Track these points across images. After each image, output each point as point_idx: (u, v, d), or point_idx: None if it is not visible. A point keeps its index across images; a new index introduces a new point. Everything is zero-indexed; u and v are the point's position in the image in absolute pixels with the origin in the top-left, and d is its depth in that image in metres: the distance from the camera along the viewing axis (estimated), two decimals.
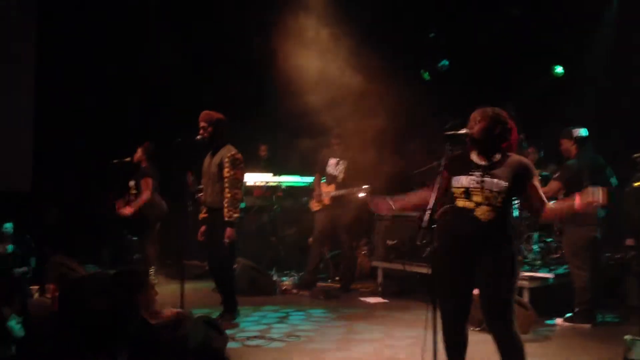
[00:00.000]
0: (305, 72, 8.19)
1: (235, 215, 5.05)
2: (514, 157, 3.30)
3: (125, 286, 3.02)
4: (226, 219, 5.04)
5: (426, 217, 3.02)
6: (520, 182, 3.23)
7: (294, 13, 7.98)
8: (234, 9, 8.50)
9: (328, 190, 6.97)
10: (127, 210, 6.74)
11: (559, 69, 7.77)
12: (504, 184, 3.20)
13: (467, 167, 3.31)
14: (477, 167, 3.29)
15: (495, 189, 3.20)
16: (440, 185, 3.19)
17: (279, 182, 7.83)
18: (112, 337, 2.25)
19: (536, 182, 3.30)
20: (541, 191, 3.30)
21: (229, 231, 5.04)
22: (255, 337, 4.84)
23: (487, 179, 3.23)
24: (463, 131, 3.25)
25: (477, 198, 3.24)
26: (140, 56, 8.17)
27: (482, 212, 3.22)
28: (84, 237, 7.26)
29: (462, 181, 3.28)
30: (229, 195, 5.05)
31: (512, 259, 3.25)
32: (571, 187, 5.47)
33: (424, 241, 3.12)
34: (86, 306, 2.23)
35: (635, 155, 4.74)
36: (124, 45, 8.05)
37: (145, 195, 6.72)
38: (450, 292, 3.34)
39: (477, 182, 3.24)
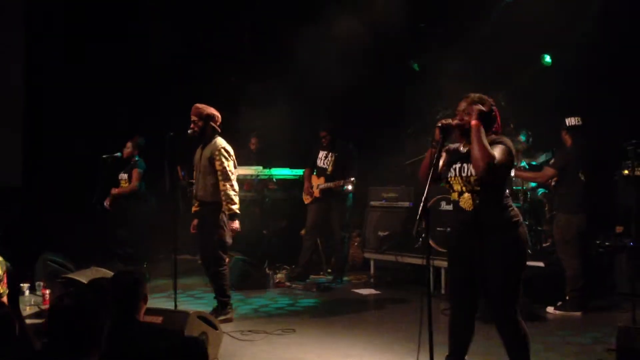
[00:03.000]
0: (296, 63, 8.18)
1: (234, 207, 5.04)
2: (494, 138, 3.27)
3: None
4: (227, 213, 5.04)
5: (420, 207, 3.03)
6: None
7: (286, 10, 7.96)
8: (224, 5, 8.47)
9: (318, 183, 6.98)
10: (115, 190, 6.94)
11: (547, 58, 7.79)
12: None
13: (455, 159, 3.35)
14: (461, 155, 3.32)
15: (465, 174, 3.21)
16: (433, 172, 3.18)
17: (270, 174, 7.81)
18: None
19: (494, 149, 3.14)
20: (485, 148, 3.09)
21: (231, 224, 5.05)
22: (249, 331, 4.82)
23: (463, 165, 3.26)
24: (454, 122, 3.27)
25: (457, 187, 3.29)
26: (132, 50, 8.10)
27: (464, 201, 3.26)
28: (74, 233, 7.20)
29: (446, 174, 3.35)
30: (223, 188, 5.03)
31: (510, 246, 3.21)
32: (565, 174, 5.53)
33: (419, 231, 3.14)
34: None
35: (625, 143, 4.77)
36: (114, 39, 7.97)
37: (134, 184, 6.88)
38: (458, 280, 3.37)
39: (454, 170, 3.29)
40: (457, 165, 3.29)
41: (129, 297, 2.94)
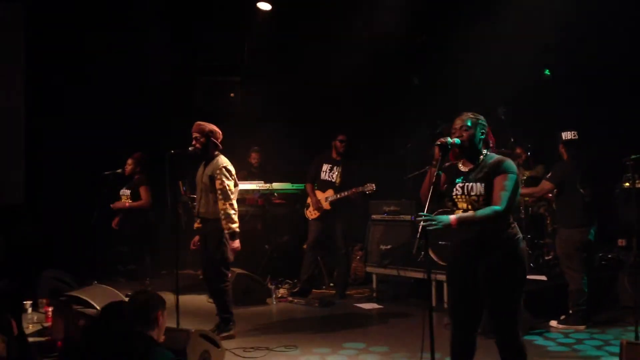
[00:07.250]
0: (295, 78, 8.23)
1: (233, 225, 5.04)
2: (494, 157, 3.32)
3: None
4: (226, 232, 5.05)
5: (420, 226, 3.03)
6: (493, 178, 3.23)
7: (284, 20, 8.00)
8: (223, 19, 8.53)
9: (326, 196, 6.92)
10: (123, 205, 6.87)
11: (547, 71, 7.84)
12: (480, 185, 3.23)
13: (455, 177, 3.37)
14: (461, 174, 3.34)
15: (473, 193, 3.24)
16: (433, 191, 3.19)
17: (271, 189, 7.81)
18: None
19: (503, 180, 3.19)
20: (501, 191, 3.16)
21: (232, 243, 5.06)
22: (251, 348, 4.81)
23: (466, 184, 3.28)
24: (453, 140, 3.29)
25: (461, 205, 3.31)
26: (131, 66, 8.14)
27: None
28: (76, 249, 7.21)
29: (450, 192, 3.36)
30: (223, 207, 5.04)
31: (511, 263, 3.21)
32: (564, 188, 5.53)
33: (419, 248, 3.15)
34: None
35: (624, 158, 4.77)
36: (113, 57, 8.01)
37: (146, 200, 6.83)
38: (458, 299, 3.36)
39: (459, 189, 3.30)
40: (462, 184, 3.30)
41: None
